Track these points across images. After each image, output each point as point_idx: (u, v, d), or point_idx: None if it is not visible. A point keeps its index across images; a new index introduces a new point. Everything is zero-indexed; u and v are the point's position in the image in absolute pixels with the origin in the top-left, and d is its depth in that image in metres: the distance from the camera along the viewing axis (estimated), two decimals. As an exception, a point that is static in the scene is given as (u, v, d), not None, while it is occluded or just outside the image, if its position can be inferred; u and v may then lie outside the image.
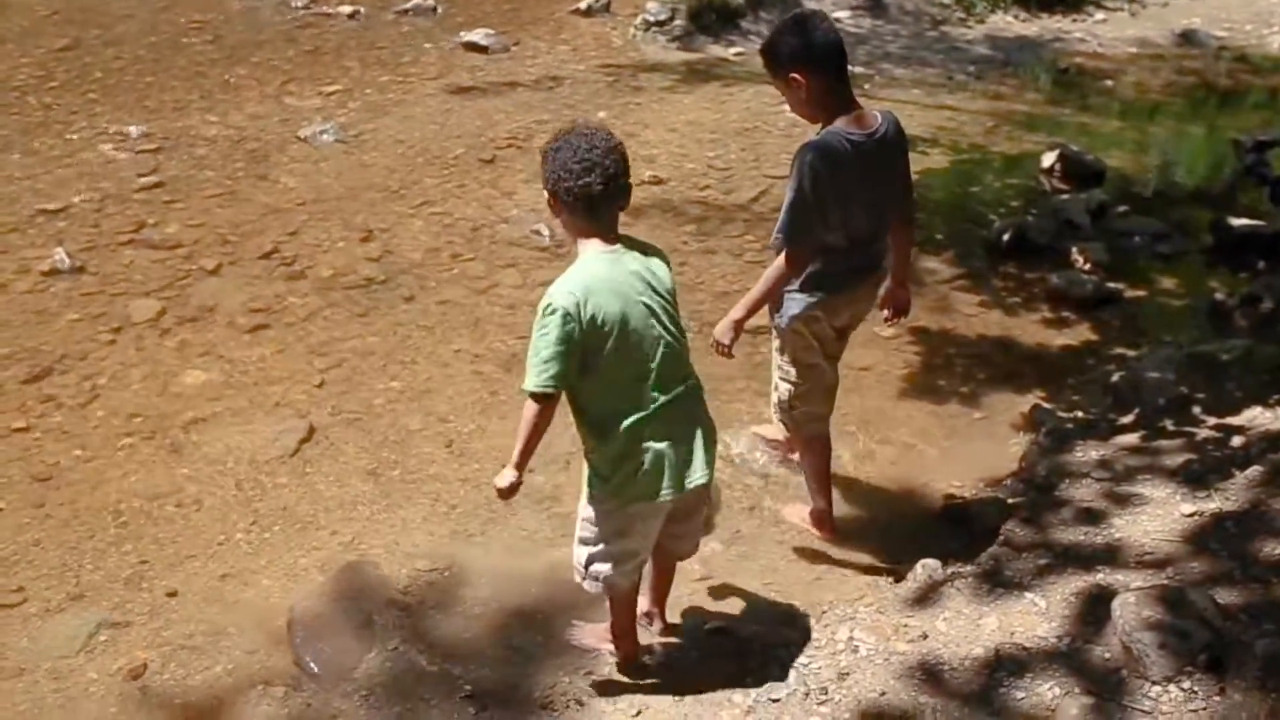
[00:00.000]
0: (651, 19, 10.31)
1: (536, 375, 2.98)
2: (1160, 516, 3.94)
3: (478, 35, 9.88)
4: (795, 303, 3.84)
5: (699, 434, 3.23)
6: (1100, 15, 11.08)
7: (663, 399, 3.12)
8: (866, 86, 8.95)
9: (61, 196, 6.80)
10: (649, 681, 3.51)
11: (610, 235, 3.07)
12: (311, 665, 3.56)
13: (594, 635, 3.67)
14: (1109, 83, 9.73)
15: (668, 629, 3.72)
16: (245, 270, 6.06)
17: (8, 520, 4.25)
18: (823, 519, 4.25)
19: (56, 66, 9.00)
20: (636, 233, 6.19)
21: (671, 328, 3.13)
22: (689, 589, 3.93)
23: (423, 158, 7.52)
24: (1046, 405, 5.02)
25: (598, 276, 3.00)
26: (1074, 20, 10.96)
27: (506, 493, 3.12)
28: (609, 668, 3.57)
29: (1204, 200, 7.59)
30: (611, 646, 3.59)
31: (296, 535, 4.21)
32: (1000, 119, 8.54)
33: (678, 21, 10.26)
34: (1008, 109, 8.87)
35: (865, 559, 4.13)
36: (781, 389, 4.04)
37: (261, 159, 7.45)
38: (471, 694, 3.44)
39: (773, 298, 3.80)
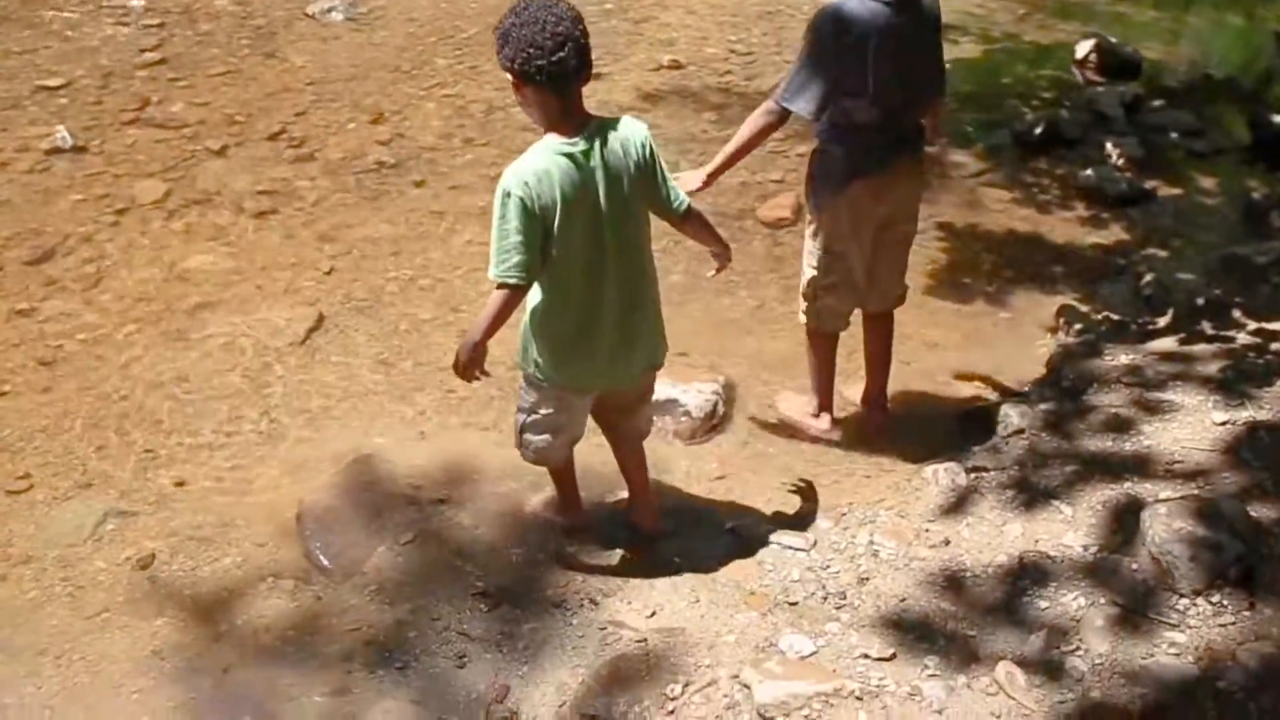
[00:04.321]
0: (672, -105, 9.88)
1: (500, 264, 2.86)
2: (1192, 425, 3.82)
3: (491, -92, 9.50)
4: (829, 183, 3.70)
5: (644, 329, 3.19)
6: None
7: (616, 302, 3.05)
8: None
9: (62, 72, 6.61)
10: (664, 581, 3.44)
11: (576, 120, 2.88)
12: (321, 559, 3.50)
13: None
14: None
15: (657, 524, 3.63)
16: (252, 152, 5.89)
17: (12, 405, 4.18)
18: (825, 407, 4.15)
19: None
20: (655, 120, 6.21)
21: (631, 224, 3.02)
22: (705, 488, 3.87)
23: (434, 37, 7.29)
24: (1075, 306, 4.88)
25: (554, 168, 2.83)
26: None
27: (468, 366, 2.98)
28: (615, 569, 3.50)
29: (1241, 95, 7.34)
30: None
31: (306, 425, 4.14)
32: (1032, 6, 8.22)
33: (700, -103, 9.84)
34: (1043, -5, 8.56)
35: (885, 461, 4.03)
36: (806, 274, 3.91)
37: (268, 36, 7.22)
38: (483, 590, 3.38)
39: (750, 152, 3.72)
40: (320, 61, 6.89)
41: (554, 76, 2.78)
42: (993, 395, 4.40)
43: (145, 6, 7.54)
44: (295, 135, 6.04)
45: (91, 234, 5.16)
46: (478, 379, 3.05)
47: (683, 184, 3.39)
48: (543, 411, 3.26)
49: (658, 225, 3.15)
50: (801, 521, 3.68)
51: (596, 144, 2.88)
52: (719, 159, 3.66)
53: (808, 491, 3.85)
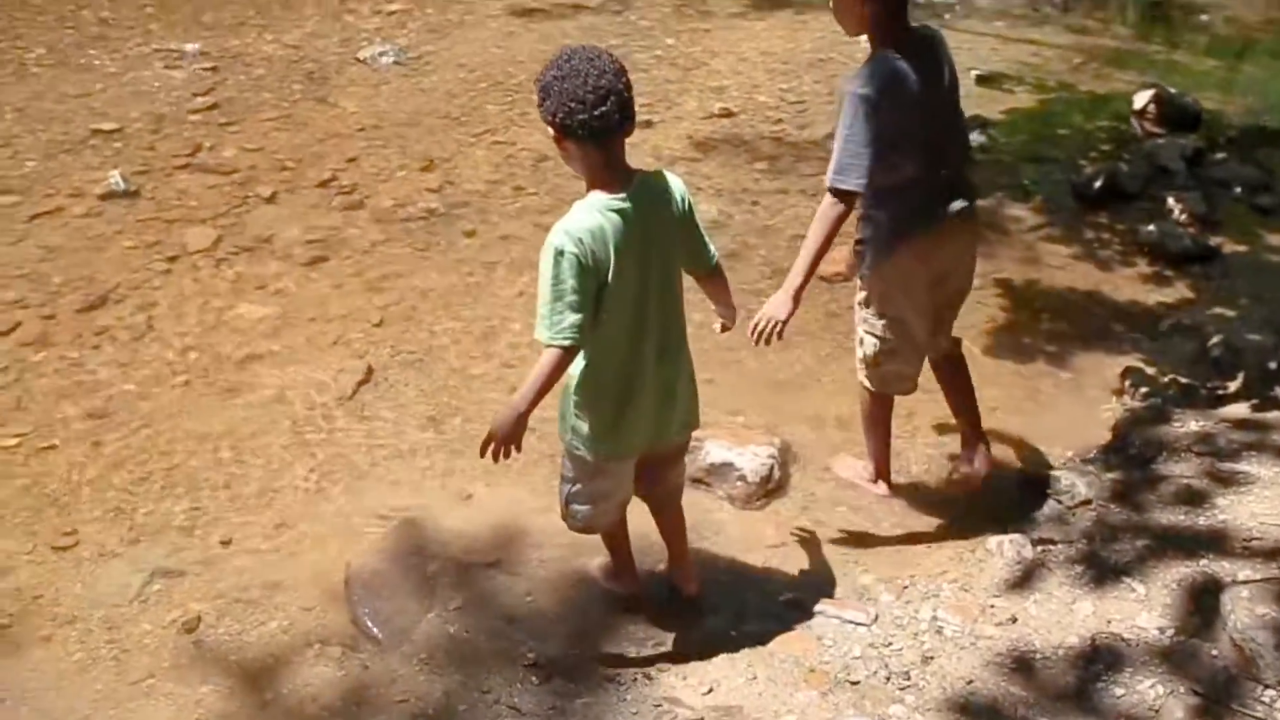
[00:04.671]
0: (722, -61, 9.87)
1: (553, 326, 2.74)
2: (1269, 499, 3.69)
3: (542, -47, 9.52)
4: (876, 248, 3.60)
5: (681, 387, 3.12)
6: (1195, -56, 10.52)
7: (654, 359, 2.98)
8: (946, 16, 8.53)
9: (117, 116, 6.65)
10: (720, 656, 3.34)
11: (619, 173, 2.81)
12: (369, 625, 3.43)
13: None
14: (1204, 18, 9.21)
15: (697, 587, 3.52)
16: (303, 199, 5.88)
17: (61, 458, 4.15)
18: (882, 472, 4.05)
19: (112, -21, 8.78)
20: (706, 170, 6.15)
21: (671, 280, 2.97)
22: (761, 555, 3.76)
23: (485, 83, 7.28)
24: (1140, 368, 4.74)
25: (606, 224, 2.76)
26: (1167, -51, 10.41)
27: (506, 440, 2.81)
28: (669, 641, 3.40)
29: None
30: None
31: (354, 484, 4.07)
32: (1088, 55, 8.11)
33: (749, -57, 9.82)
34: (1095, 44, 8.43)
35: (948, 530, 3.91)
36: (867, 344, 3.78)
37: (320, 81, 7.24)
38: (535, 662, 3.29)
39: (830, 248, 3.48)
40: (371, 107, 6.89)
41: (596, 131, 2.72)
42: (1057, 462, 4.27)
43: (199, 50, 7.59)
44: (345, 182, 6.03)
45: (142, 281, 5.15)
46: (507, 456, 2.86)
47: (772, 310, 3.36)
48: (587, 481, 3.17)
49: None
50: (862, 594, 3.57)
51: (642, 199, 2.83)
52: (799, 274, 3.40)
53: (868, 562, 3.74)
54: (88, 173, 6.03)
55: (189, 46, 7.64)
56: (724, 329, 3.32)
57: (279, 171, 6.11)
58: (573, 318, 2.74)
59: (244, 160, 6.21)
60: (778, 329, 3.39)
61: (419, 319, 4.96)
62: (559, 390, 2.98)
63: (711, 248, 3.12)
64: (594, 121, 2.70)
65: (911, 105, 3.36)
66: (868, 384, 3.85)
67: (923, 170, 3.50)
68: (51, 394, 4.46)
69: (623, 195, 2.79)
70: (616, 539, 3.47)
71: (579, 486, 3.19)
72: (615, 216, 2.77)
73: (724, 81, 7.39)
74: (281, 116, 6.73)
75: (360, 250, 5.44)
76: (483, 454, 2.85)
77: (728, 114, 6.92)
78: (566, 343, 2.76)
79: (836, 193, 3.36)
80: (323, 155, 6.29)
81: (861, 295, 3.76)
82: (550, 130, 2.80)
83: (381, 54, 7.56)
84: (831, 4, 3.47)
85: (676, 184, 2.97)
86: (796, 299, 3.39)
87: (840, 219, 3.39)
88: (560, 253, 2.72)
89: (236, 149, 6.34)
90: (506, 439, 2.82)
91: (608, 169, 2.81)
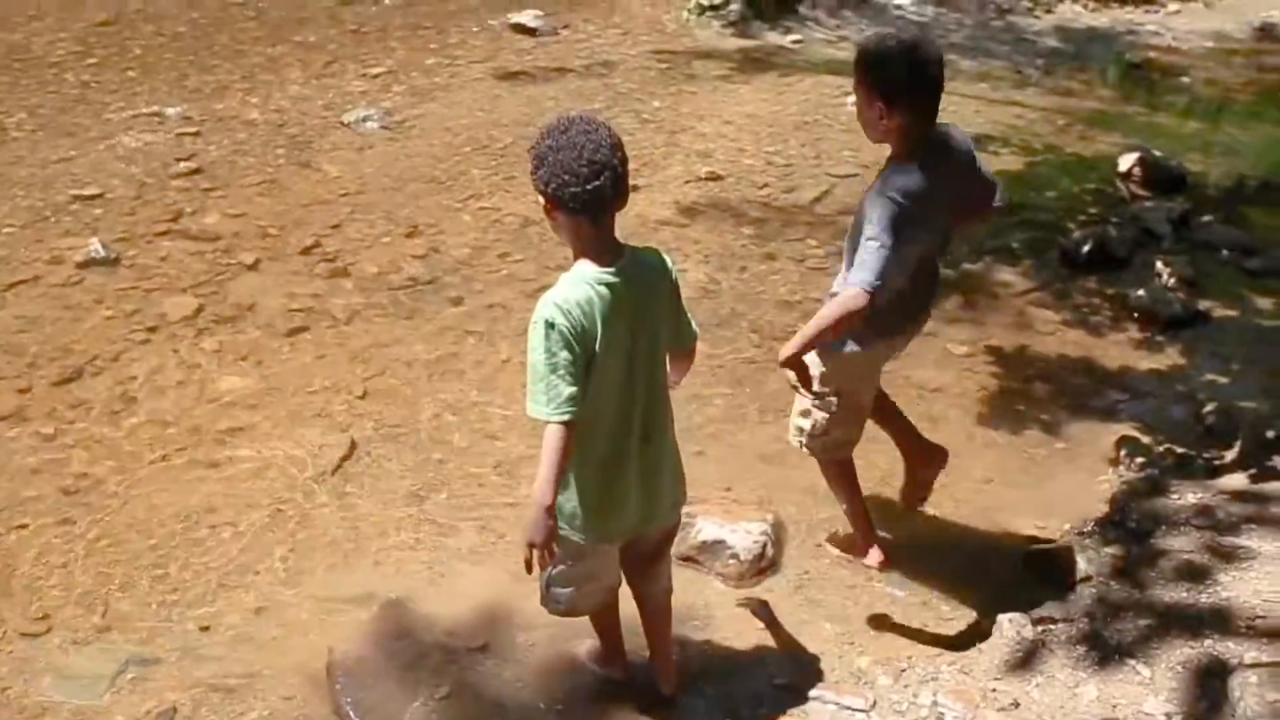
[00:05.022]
0: (705, 3, 9.97)
1: (550, 401, 2.65)
2: (1271, 575, 3.60)
3: (526, 16, 9.58)
4: (856, 339, 3.56)
5: (666, 469, 3.04)
6: (1174, 6, 10.62)
7: (639, 439, 2.89)
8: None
9: (98, 181, 6.58)
10: (715, 745, 3.24)
11: (609, 246, 2.76)
12: (353, 715, 3.31)
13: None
14: (1185, 79, 9.29)
15: (672, 690, 3.38)
16: (285, 266, 5.81)
17: (34, 539, 4.02)
18: (869, 543, 3.97)
19: (96, 42, 8.79)
20: (694, 235, 6.10)
21: (657, 355, 2.90)
22: (755, 637, 3.67)
23: (469, 147, 7.25)
24: (1136, 437, 4.69)
25: (594, 297, 2.69)
26: (1146, 11, 10.50)
27: (543, 543, 2.72)
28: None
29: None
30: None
31: (337, 564, 3.96)
32: (1072, 117, 8.15)
33: (733, 6, 9.90)
34: (1079, 106, 8.48)
35: (944, 609, 3.83)
36: (816, 416, 3.74)
37: (304, 145, 7.20)
38: (523, 753, 3.19)
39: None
40: (355, 172, 6.85)
41: (589, 205, 2.66)
42: (1054, 535, 4.20)
43: (182, 114, 7.55)
44: (329, 249, 5.96)
45: (121, 352, 5.05)
46: (552, 559, 2.78)
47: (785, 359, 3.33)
48: (571, 563, 3.05)
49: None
50: (859, 678, 3.47)
51: (631, 274, 2.76)
52: (802, 338, 3.33)
53: (864, 643, 3.64)
54: (67, 239, 5.94)
55: (171, 110, 7.60)
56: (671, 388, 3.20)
57: (262, 238, 6.04)
58: (569, 390, 2.66)
59: (226, 226, 6.14)
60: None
61: (403, 390, 4.87)
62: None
63: (693, 325, 3.05)
64: (586, 195, 2.65)
65: (923, 218, 3.34)
66: (810, 453, 3.85)
67: (915, 274, 3.50)
68: (24, 471, 4.34)
69: (612, 269, 2.73)
70: (605, 623, 3.37)
71: (560, 569, 3.07)
72: (604, 290, 2.71)
73: (710, 145, 7.38)
74: (265, 181, 6.68)
75: (343, 319, 5.36)
76: (529, 569, 2.76)
77: (714, 178, 6.90)
78: (567, 417, 2.67)
79: (869, 294, 3.26)
80: (306, 221, 6.23)
81: (818, 371, 3.63)
82: (541, 199, 2.74)
83: (366, 118, 7.54)
84: (857, 114, 3.41)
85: (663, 261, 2.92)
86: (792, 359, 3.35)
87: (860, 316, 3.27)
88: (551, 325, 2.65)
89: (219, 215, 6.27)
90: (546, 541, 2.73)
91: (597, 242, 2.75)
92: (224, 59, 8.60)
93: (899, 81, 3.24)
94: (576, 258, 2.78)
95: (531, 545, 2.72)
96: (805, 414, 3.77)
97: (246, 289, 5.58)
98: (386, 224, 6.24)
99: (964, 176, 3.48)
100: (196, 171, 6.76)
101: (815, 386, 3.59)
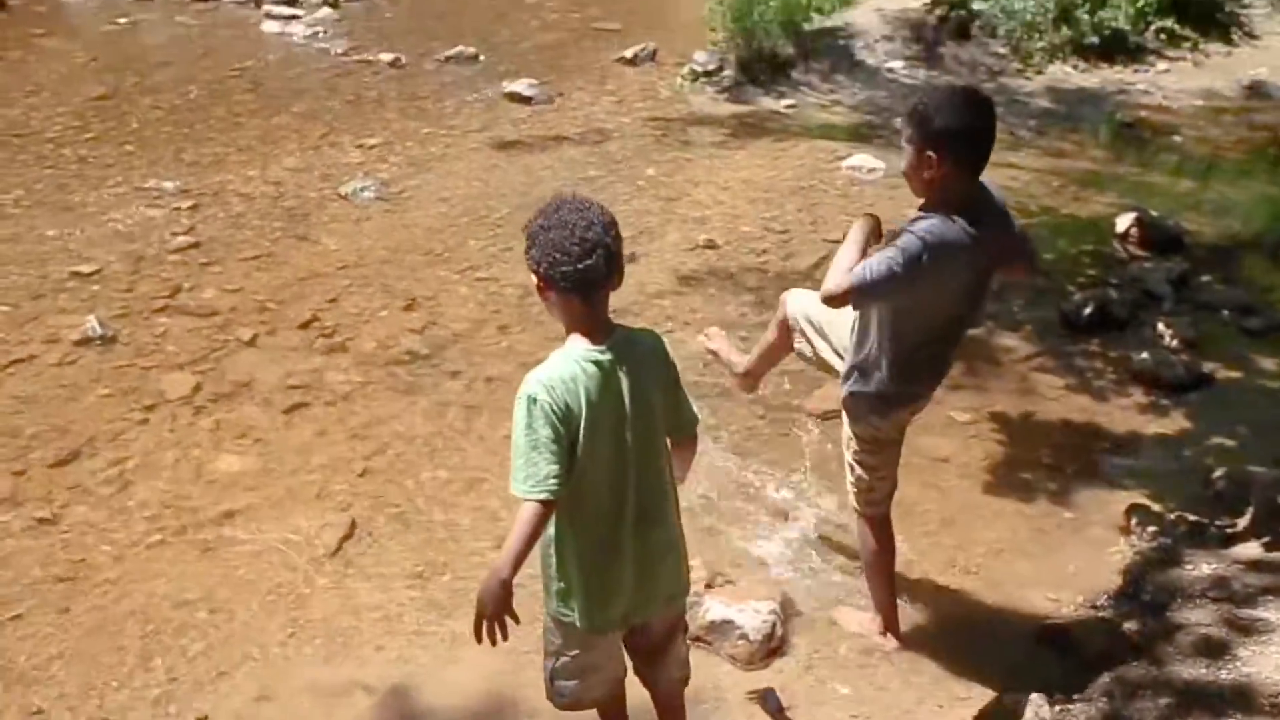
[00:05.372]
0: (699, 69, 10.01)
1: (528, 478, 2.59)
2: (1291, 648, 3.56)
3: (521, 85, 9.62)
4: (884, 404, 3.58)
5: (667, 563, 2.94)
6: (1163, 65, 10.68)
7: (633, 525, 2.81)
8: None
9: (95, 258, 6.56)
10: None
11: (601, 325, 2.71)
12: (355, 810, 3.23)
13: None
14: (1177, 138, 9.32)
15: None
16: (283, 341, 5.77)
17: (28, 628, 3.96)
18: (890, 623, 3.91)
19: (93, 117, 8.81)
20: (692, 304, 6.07)
21: (654, 438, 2.82)
22: (766, 720, 3.59)
23: (467, 217, 7.24)
24: (1146, 505, 4.63)
25: (580, 375, 2.64)
26: (1136, 71, 10.56)
27: (496, 614, 2.61)
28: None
29: (1271, 251, 7.22)
30: None
31: (338, 650, 3.89)
32: (1066, 178, 8.17)
33: (726, 72, 9.96)
34: (1073, 167, 8.50)
35: (958, 688, 3.75)
36: (859, 472, 3.76)
37: (301, 218, 7.19)
38: None
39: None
40: (353, 244, 6.83)
41: (580, 283, 2.64)
42: (1067, 608, 4.13)
43: (179, 188, 7.55)
44: (327, 323, 5.93)
45: (118, 432, 5.01)
46: (503, 634, 2.64)
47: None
48: (572, 653, 2.98)
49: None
50: (874, 762, 3.40)
51: (622, 353, 2.71)
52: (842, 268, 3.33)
53: (878, 725, 3.57)
54: (64, 317, 5.91)
55: (169, 184, 7.60)
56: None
57: (259, 313, 6.01)
58: (549, 469, 2.60)
59: (224, 301, 6.11)
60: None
61: (404, 468, 4.82)
62: (541, 552, 2.83)
63: (694, 413, 2.99)
64: (578, 274, 2.62)
65: (956, 278, 3.32)
66: (860, 508, 3.81)
67: (943, 336, 3.50)
68: (19, 556, 4.28)
69: (601, 348, 2.69)
70: (612, 715, 3.28)
71: (564, 660, 3.00)
72: (592, 368, 2.66)
73: (706, 211, 7.38)
74: (262, 255, 6.66)
75: (342, 395, 5.31)
76: (478, 636, 2.64)
77: (711, 245, 6.88)
78: (544, 495, 2.60)
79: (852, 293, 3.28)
80: (304, 295, 6.20)
81: (852, 436, 3.72)
82: (534, 278, 2.72)
83: (363, 189, 7.54)
84: (905, 167, 3.38)
85: (659, 343, 2.88)
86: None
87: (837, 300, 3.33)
88: (533, 400, 2.61)
89: (216, 290, 6.25)
90: (497, 612, 2.61)
91: (589, 321, 2.71)
92: (221, 131, 8.62)
93: (951, 128, 3.21)
94: (568, 336, 2.75)
95: (482, 613, 2.62)
96: (851, 469, 3.76)
97: (244, 365, 5.54)
98: (384, 297, 6.21)
99: (998, 234, 3.42)
100: (194, 246, 6.74)
101: (847, 453, 3.68)
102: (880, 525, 3.84)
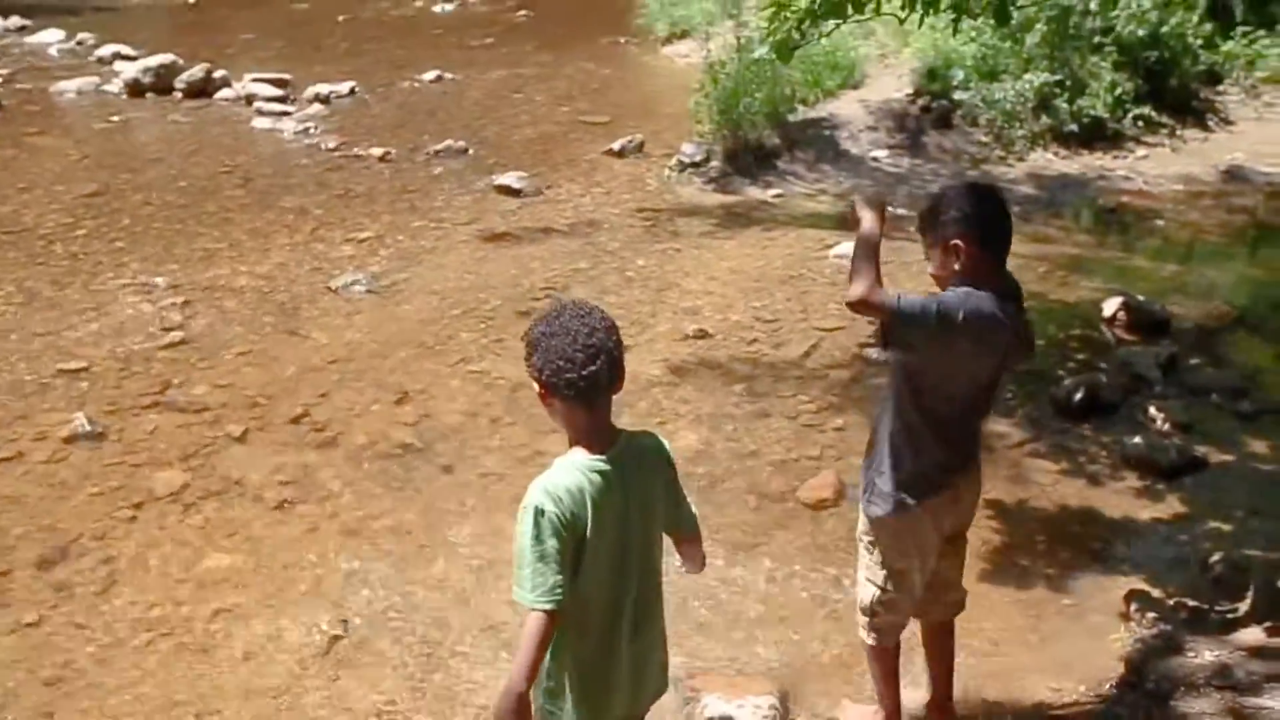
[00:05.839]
0: (686, 160, 10.15)
1: (536, 588, 2.55)
2: (1297, 737, 3.51)
3: (510, 178, 9.73)
4: (888, 498, 3.45)
5: (654, 663, 2.93)
6: (1141, 151, 10.86)
7: (630, 628, 2.78)
8: (910, 229, 8.69)
9: (84, 354, 6.57)
10: None
11: (604, 432, 2.70)
12: None
13: None
14: (1159, 222, 9.43)
15: None
16: (274, 436, 5.76)
17: (12, 735, 3.88)
18: (893, 717, 3.82)
19: (85, 213, 8.91)
20: (683, 395, 6.09)
21: (653, 543, 2.81)
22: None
23: (458, 310, 7.27)
24: (1145, 591, 4.60)
25: (586, 485, 2.62)
26: (1115, 157, 10.73)
27: None
28: None
29: (1254, 327, 7.30)
30: None
31: (330, 755, 3.82)
32: (1051, 264, 8.24)
33: (713, 163, 10.09)
34: (1058, 252, 8.58)
35: (963, 784, 3.69)
36: (866, 590, 3.62)
37: (291, 312, 7.21)
38: None
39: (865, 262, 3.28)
40: (343, 338, 6.85)
41: (584, 391, 2.62)
42: (1069, 698, 4.08)
43: (169, 284, 7.58)
44: (318, 418, 5.91)
45: (106, 531, 4.97)
46: None
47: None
48: None
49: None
50: None
51: (625, 460, 2.70)
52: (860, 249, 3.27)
53: (883, 825, 3.49)
54: (53, 414, 5.90)
55: (160, 280, 7.65)
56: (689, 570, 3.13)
57: (250, 408, 6.00)
58: (555, 579, 2.57)
59: (214, 397, 6.11)
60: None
61: (396, 566, 4.76)
62: None
63: (693, 511, 2.98)
64: (581, 381, 2.61)
65: (982, 350, 3.29)
66: (866, 637, 3.68)
67: (964, 417, 3.44)
68: (4, 660, 4.21)
69: (604, 456, 2.67)
70: None
71: None
72: (597, 478, 2.64)
73: (696, 301, 7.42)
74: (253, 350, 6.67)
75: (333, 491, 5.28)
76: None
77: (702, 335, 6.91)
78: (551, 605, 2.57)
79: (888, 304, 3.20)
80: (294, 390, 6.19)
81: (868, 539, 3.59)
82: (535, 385, 2.70)
83: (354, 283, 7.58)
84: (930, 266, 3.38)
85: (661, 447, 2.86)
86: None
87: (864, 307, 3.25)
88: (540, 512, 2.57)
89: (207, 385, 6.24)
90: None
91: (591, 428, 2.69)
92: (212, 227, 8.70)
93: (968, 213, 3.24)
94: (571, 443, 2.73)
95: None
96: (858, 584, 3.65)
97: (234, 461, 5.51)
98: (376, 391, 6.21)
99: (1019, 319, 3.42)
100: (184, 342, 6.76)
101: (863, 554, 3.57)
102: (884, 653, 3.73)
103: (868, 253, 3.25)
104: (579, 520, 2.61)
